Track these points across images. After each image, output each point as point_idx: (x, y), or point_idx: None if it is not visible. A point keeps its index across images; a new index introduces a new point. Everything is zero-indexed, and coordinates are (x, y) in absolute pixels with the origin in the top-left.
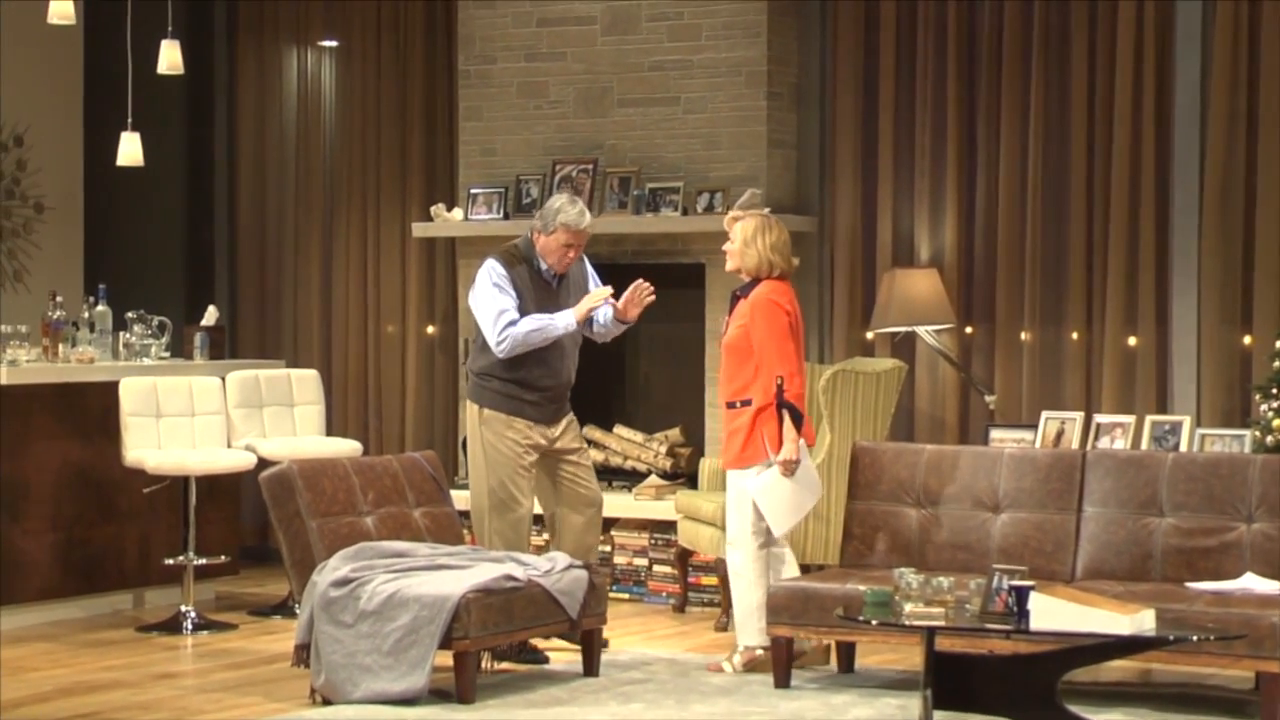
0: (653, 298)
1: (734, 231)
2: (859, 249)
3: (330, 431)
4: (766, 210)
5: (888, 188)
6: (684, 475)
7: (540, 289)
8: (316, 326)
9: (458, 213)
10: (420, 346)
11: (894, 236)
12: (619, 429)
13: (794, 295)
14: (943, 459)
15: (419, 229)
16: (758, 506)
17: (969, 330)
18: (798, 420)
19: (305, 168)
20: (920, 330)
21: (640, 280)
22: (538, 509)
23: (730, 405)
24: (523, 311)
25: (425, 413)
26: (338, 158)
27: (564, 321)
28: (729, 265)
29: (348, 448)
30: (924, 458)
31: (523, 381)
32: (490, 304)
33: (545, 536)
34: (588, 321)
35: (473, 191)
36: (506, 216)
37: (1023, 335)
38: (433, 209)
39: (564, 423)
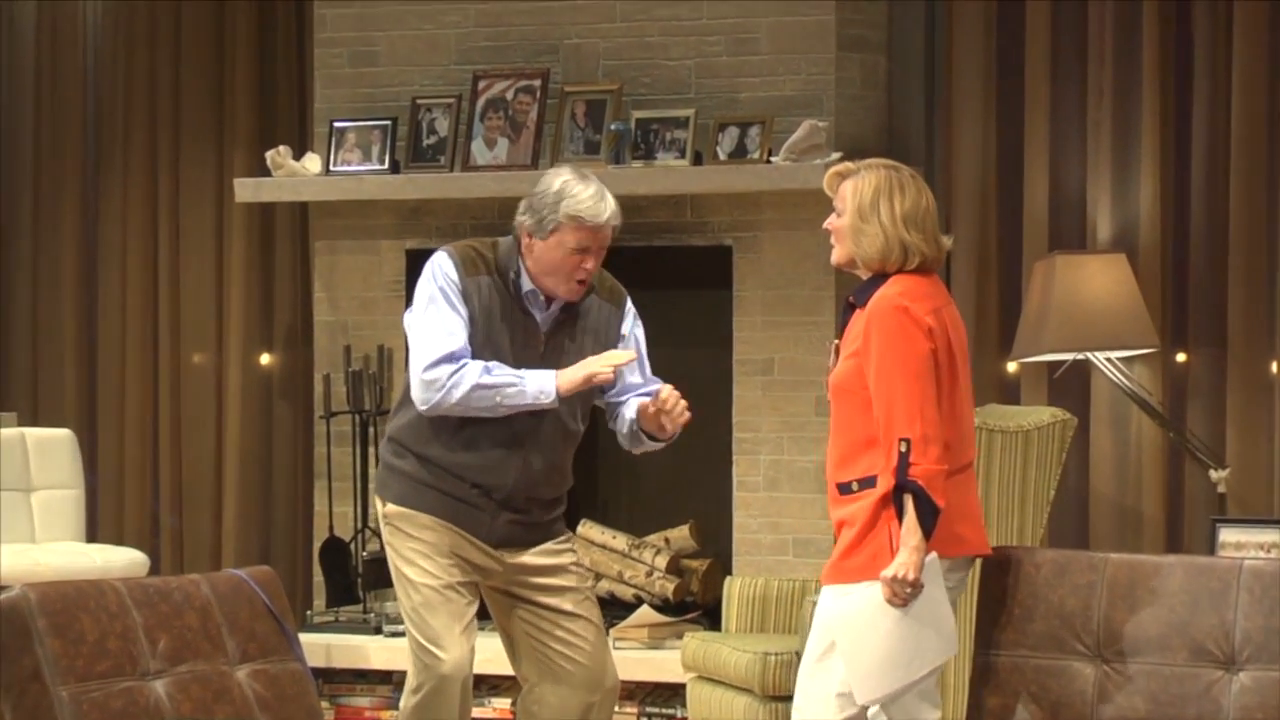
0: (687, 416)
1: (842, 195)
2: (992, 222)
3: (94, 535)
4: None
5: (1041, 122)
6: (698, 606)
7: (514, 324)
8: (71, 358)
9: (312, 161)
10: (249, 388)
11: (1052, 202)
12: (587, 527)
13: (945, 300)
14: (1137, 576)
15: (245, 189)
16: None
17: (1181, 358)
18: (927, 515)
19: (52, 94)
20: (1098, 358)
21: (668, 390)
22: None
23: (843, 489)
24: (473, 349)
25: (257, 500)
26: (107, 77)
27: (537, 386)
28: (835, 255)
29: (123, 561)
30: (1105, 574)
31: (441, 463)
32: (424, 320)
33: (506, 707)
34: (613, 413)
35: (337, 126)
36: (395, 168)
37: (1274, 368)
38: (269, 156)
39: (536, 551)
